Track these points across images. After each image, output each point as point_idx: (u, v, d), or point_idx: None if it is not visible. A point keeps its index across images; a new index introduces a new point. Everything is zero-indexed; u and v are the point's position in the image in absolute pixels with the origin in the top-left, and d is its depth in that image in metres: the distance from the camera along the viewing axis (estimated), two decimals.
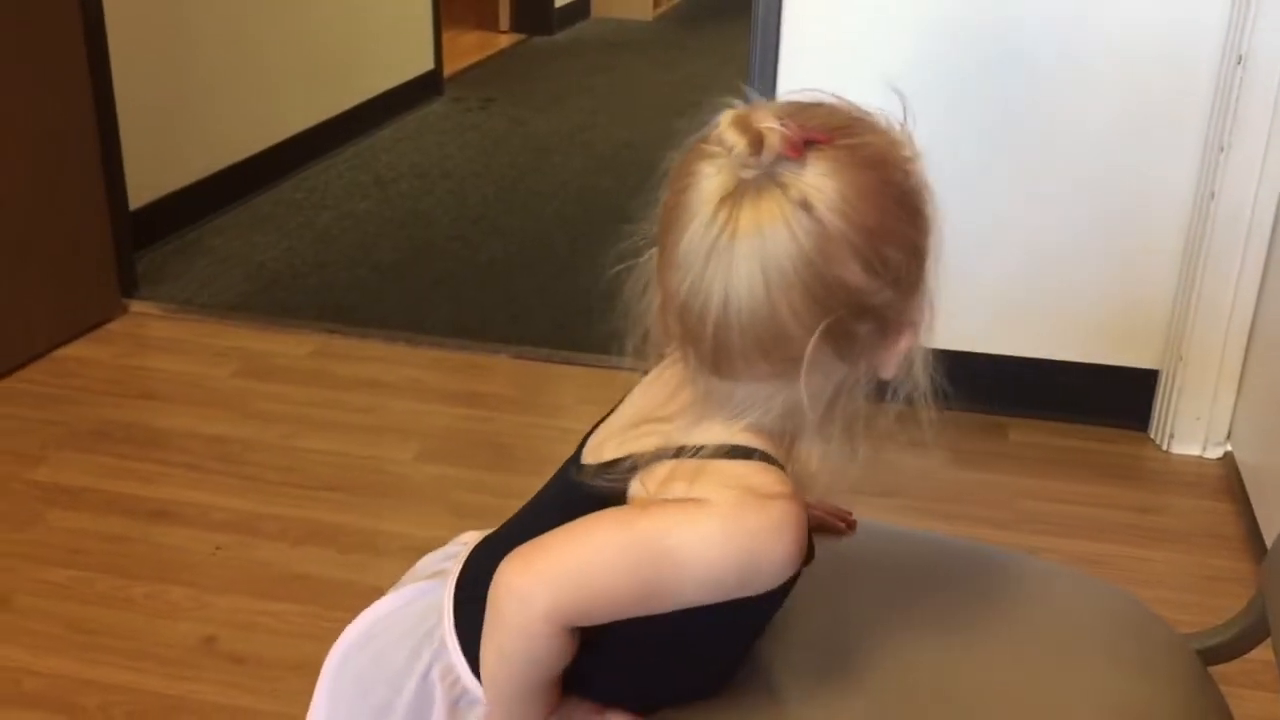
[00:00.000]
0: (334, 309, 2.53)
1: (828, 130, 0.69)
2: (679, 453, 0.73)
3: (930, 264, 0.72)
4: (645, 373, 0.84)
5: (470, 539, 0.90)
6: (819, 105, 0.73)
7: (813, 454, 0.76)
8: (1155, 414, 2.09)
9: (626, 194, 3.36)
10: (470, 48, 4.88)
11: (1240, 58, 1.85)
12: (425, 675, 0.84)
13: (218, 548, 1.73)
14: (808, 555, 0.80)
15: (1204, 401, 2.03)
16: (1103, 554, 1.78)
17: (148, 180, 2.69)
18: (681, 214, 0.70)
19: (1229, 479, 1.98)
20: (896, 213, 0.69)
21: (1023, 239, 2.02)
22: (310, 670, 1.46)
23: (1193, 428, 2.04)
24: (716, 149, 0.69)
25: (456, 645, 0.83)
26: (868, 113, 0.74)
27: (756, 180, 0.67)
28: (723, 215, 0.67)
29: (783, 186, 0.67)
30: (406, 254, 2.86)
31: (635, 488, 0.74)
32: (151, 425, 2.06)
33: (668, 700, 0.82)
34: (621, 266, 0.79)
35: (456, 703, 0.84)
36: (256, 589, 1.64)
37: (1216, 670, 0.95)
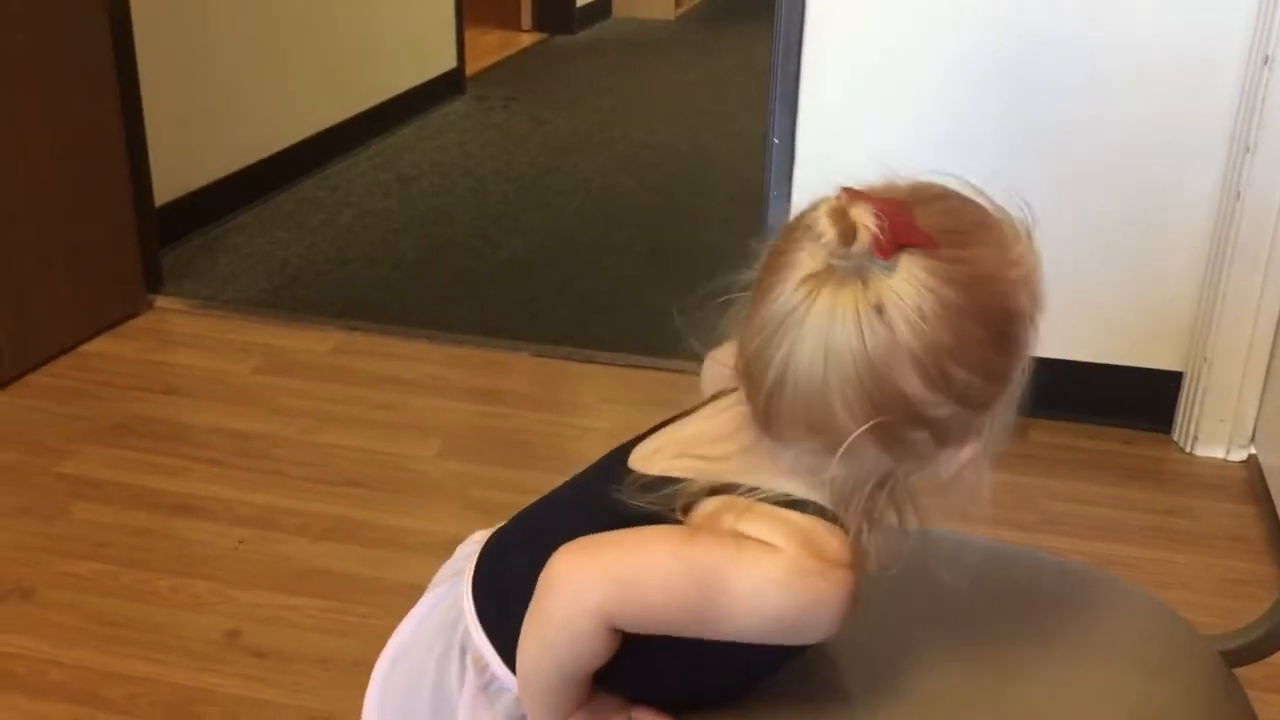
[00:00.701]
0: (355, 306, 2.54)
1: (937, 234, 0.68)
2: (729, 489, 0.74)
3: (1011, 385, 0.72)
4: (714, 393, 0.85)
5: (481, 537, 0.91)
6: (944, 198, 0.72)
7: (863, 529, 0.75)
8: (1179, 416, 2.08)
9: (646, 193, 3.38)
10: (492, 47, 4.90)
11: (1267, 58, 1.84)
12: (461, 666, 0.85)
13: (240, 542, 1.74)
14: None
15: (1228, 404, 2.01)
16: (1125, 556, 1.77)
17: (173, 177, 2.71)
18: (772, 279, 0.70)
19: (1253, 482, 1.97)
20: (978, 336, 0.68)
21: (1046, 240, 2.01)
22: (332, 665, 1.49)
23: (1217, 430, 2.03)
24: (814, 235, 0.69)
25: (481, 632, 0.84)
26: (994, 216, 0.72)
27: (844, 270, 0.67)
28: (803, 291, 0.68)
29: (864, 283, 0.67)
30: (427, 252, 2.87)
31: (707, 507, 0.74)
32: (175, 420, 2.08)
33: (697, 702, 0.83)
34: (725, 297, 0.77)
35: (486, 688, 0.84)
36: (278, 583, 1.65)
37: (1239, 674, 0.95)
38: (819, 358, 0.68)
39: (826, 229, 0.67)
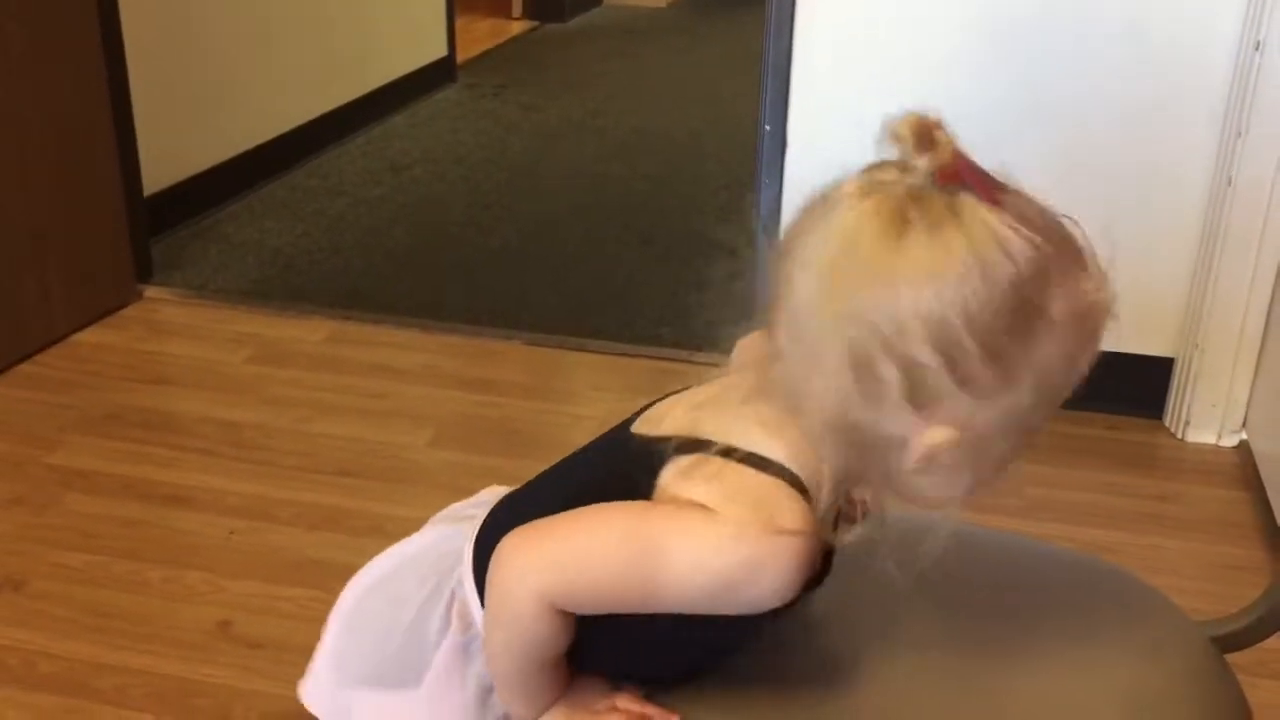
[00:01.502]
0: (347, 295, 2.53)
1: (1018, 208, 0.67)
2: (701, 445, 0.73)
3: (1013, 391, 0.68)
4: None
5: (498, 491, 0.91)
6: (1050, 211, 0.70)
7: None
8: (1170, 402, 2.08)
9: (639, 180, 3.37)
10: (483, 35, 4.88)
11: (1259, 43, 1.83)
12: (446, 614, 0.85)
13: (232, 532, 1.74)
14: (819, 577, 0.79)
15: (1220, 389, 2.02)
16: (1116, 542, 1.77)
17: (162, 167, 2.70)
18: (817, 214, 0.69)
19: (1244, 467, 1.97)
20: (999, 310, 0.64)
21: None
22: None
23: (1208, 415, 2.04)
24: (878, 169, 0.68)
25: (474, 588, 0.84)
26: (1081, 242, 0.72)
27: (901, 184, 0.66)
28: (852, 187, 0.67)
29: (916, 199, 0.65)
30: (420, 240, 2.86)
31: (667, 475, 0.74)
32: (166, 410, 2.07)
33: (679, 676, 0.82)
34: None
35: (468, 646, 0.84)
36: (271, 574, 1.65)
37: (1230, 659, 0.95)
38: (837, 237, 0.65)
39: (905, 133, 0.66)
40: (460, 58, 4.23)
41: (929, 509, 0.75)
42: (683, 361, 2.22)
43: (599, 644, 0.78)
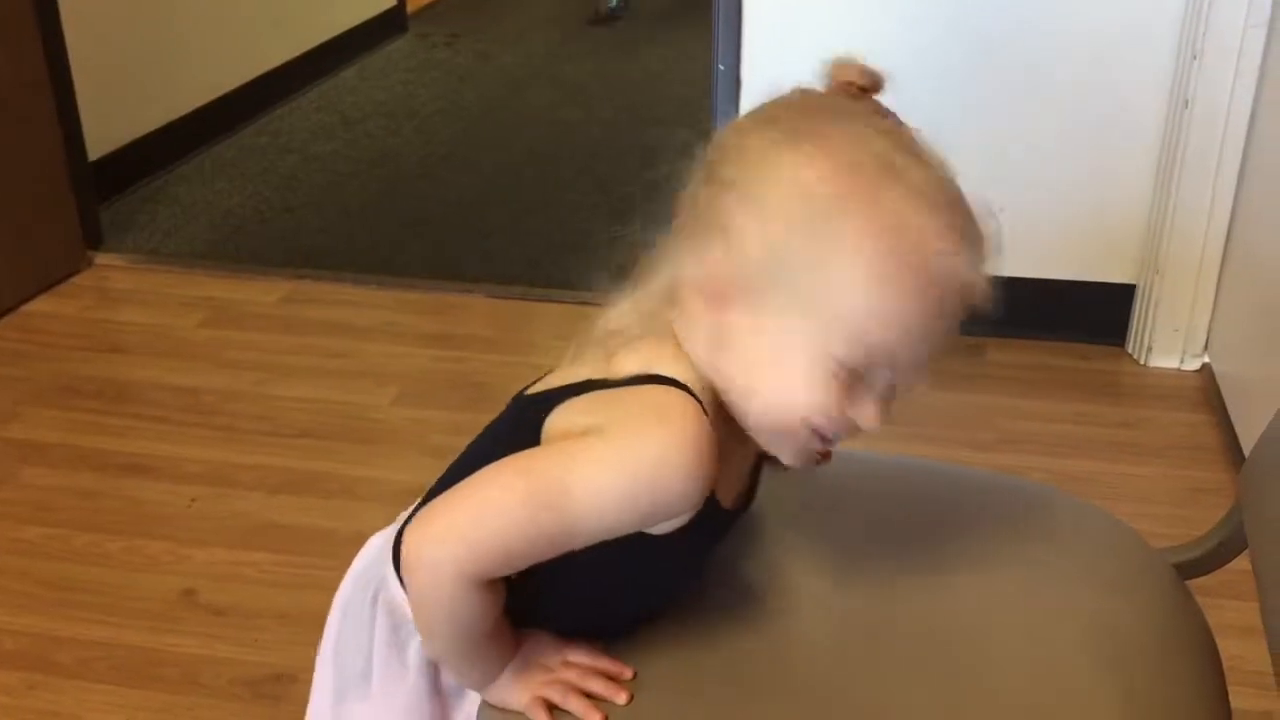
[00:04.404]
0: (303, 253, 2.49)
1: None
2: (600, 384, 0.71)
3: (822, 292, 0.67)
4: None
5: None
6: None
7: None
8: (1133, 328, 2.08)
9: (597, 126, 3.32)
10: None
11: None
12: (372, 608, 0.84)
13: (193, 500, 1.71)
14: (749, 497, 0.79)
15: (1181, 314, 2.02)
16: (1083, 471, 1.78)
17: (107, 130, 2.63)
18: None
19: (1207, 390, 1.98)
20: (804, 212, 0.67)
21: (995, 156, 1.99)
22: (291, 619, 1.47)
23: (1170, 340, 2.04)
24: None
25: (394, 575, 0.82)
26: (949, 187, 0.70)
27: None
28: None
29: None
30: (375, 195, 2.82)
31: (550, 420, 0.72)
32: (121, 379, 2.04)
33: (627, 623, 0.81)
34: None
35: (398, 630, 0.83)
36: (234, 540, 1.63)
37: (1196, 581, 0.95)
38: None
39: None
40: (411, 7, 4.14)
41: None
42: None
43: (536, 600, 0.77)
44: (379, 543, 0.87)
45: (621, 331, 0.75)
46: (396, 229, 2.63)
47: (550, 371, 0.80)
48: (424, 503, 0.83)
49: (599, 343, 0.76)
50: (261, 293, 2.31)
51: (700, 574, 0.84)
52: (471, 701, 0.82)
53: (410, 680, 0.83)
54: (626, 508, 0.69)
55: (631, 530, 0.71)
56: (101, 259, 2.43)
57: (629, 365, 0.72)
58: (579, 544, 0.71)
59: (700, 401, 0.70)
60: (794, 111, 0.72)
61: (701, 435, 0.68)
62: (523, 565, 0.72)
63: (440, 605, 0.73)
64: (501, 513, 0.70)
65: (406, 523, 0.84)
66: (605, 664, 0.79)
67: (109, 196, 2.65)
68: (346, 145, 3.12)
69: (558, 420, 0.72)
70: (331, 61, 3.61)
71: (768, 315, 0.69)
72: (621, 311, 0.76)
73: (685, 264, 0.72)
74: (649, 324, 0.74)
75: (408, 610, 0.81)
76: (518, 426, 0.75)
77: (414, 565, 0.72)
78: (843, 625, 0.84)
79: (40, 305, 2.25)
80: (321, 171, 2.94)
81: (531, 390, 0.79)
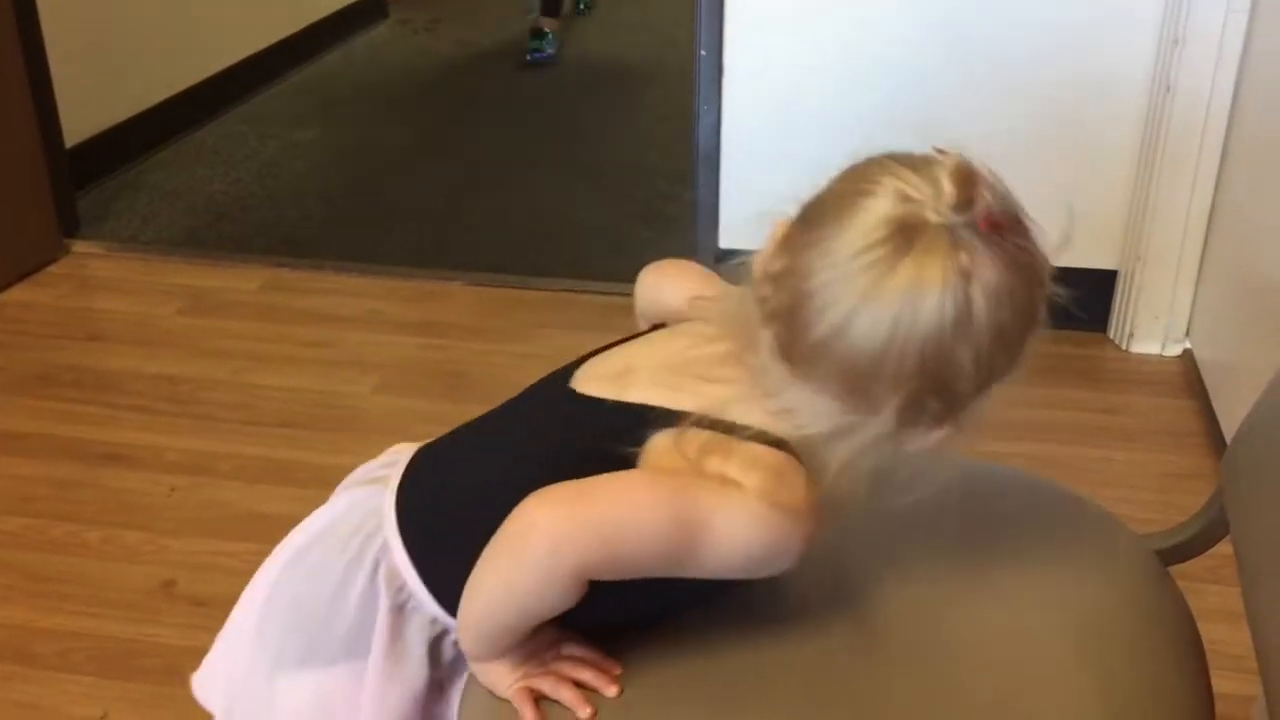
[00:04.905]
0: (283, 242, 2.47)
1: (1012, 220, 0.68)
2: (718, 425, 0.72)
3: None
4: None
5: (405, 449, 0.89)
6: (999, 181, 0.71)
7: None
8: (1114, 314, 2.08)
9: (579, 113, 3.30)
10: None
11: None
12: (371, 578, 0.83)
13: (172, 489, 1.70)
14: None
15: (1163, 299, 2.02)
16: (1065, 456, 1.78)
17: (83, 117, 2.60)
18: (850, 210, 0.68)
19: (1188, 376, 1.98)
20: (1023, 324, 0.69)
21: (977, 141, 1.98)
22: None
23: (1152, 326, 2.04)
24: (917, 182, 0.67)
25: (401, 548, 0.82)
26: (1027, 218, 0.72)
27: (938, 229, 0.66)
28: (892, 241, 0.66)
29: (955, 244, 0.65)
30: (356, 183, 2.80)
31: (662, 442, 0.73)
32: (99, 367, 2.02)
33: (628, 623, 0.81)
34: None
35: (402, 607, 0.83)
36: (214, 530, 1.61)
37: (1178, 566, 0.95)
38: (887, 322, 0.66)
39: (949, 188, 0.66)
40: None
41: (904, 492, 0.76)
42: (629, 296, 2.19)
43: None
44: (354, 510, 0.85)
45: (720, 364, 0.75)
46: (378, 216, 2.61)
47: (610, 354, 0.81)
48: (429, 463, 0.84)
49: (693, 361, 0.77)
50: (241, 280, 2.30)
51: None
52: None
53: (413, 659, 0.83)
54: (746, 562, 0.73)
55: (720, 578, 0.75)
56: (79, 247, 2.41)
57: (750, 417, 0.72)
58: (679, 575, 0.73)
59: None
60: None
61: (813, 509, 0.72)
62: (623, 576, 0.73)
63: (536, 583, 0.72)
64: (649, 532, 0.71)
65: (407, 485, 0.83)
66: (597, 658, 0.79)
67: (86, 184, 2.62)
68: (327, 132, 3.09)
69: (667, 446, 0.73)
70: (312, 48, 3.58)
71: None
72: (719, 329, 0.76)
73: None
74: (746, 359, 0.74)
75: (413, 584, 0.81)
76: (605, 434, 0.74)
77: (536, 540, 0.71)
78: (826, 614, 0.84)
79: (17, 294, 2.23)
80: (302, 159, 2.92)
81: (609, 393, 0.77)
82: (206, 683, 0.92)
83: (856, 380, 0.68)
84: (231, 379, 1.97)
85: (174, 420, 1.86)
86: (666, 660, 0.80)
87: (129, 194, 2.68)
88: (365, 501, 0.86)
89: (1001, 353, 0.69)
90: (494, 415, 0.87)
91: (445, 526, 0.82)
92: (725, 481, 0.71)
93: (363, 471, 0.90)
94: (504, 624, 0.76)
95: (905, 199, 0.66)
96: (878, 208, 0.67)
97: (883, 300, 0.65)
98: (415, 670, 0.84)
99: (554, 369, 0.84)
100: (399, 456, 0.88)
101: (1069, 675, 0.80)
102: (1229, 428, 1.73)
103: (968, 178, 0.67)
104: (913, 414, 0.69)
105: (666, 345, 0.81)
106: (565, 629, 0.79)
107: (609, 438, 0.73)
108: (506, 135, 3.09)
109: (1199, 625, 0.91)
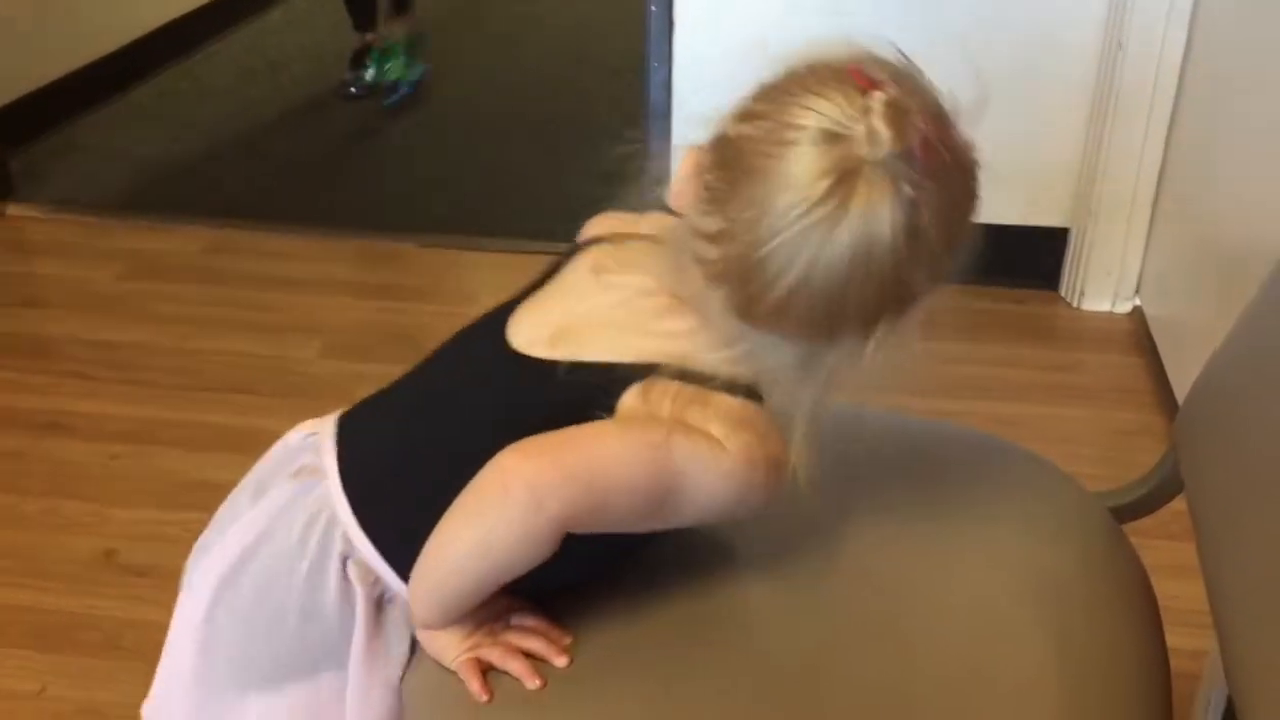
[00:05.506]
0: (227, 203, 2.42)
1: (942, 131, 0.68)
2: (688, 376, 0.71)
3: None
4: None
5: (311, 429, 0.85)
6: (919, 77, 0.71)
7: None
8: (1066, 272, 2.09)
9: (527, 70, 3.26)
10: None
11: None
12: (341, 577, 0.79)
13: (114, 458, 1.66)
14: None
15: (1113, 257, 2.03)
16: (1018, 414, 1.78)
17: (15, 75, 2.53)
18: (778, 164, 0.66)
19: (1138, 333, 2.00)
20: (968, 219, 0.70)
21: None
22: None
23: (1103, 284, 2.05)
24: (841, 114, 0.65)
25: (366, 540, 0.79)
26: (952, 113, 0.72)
27: (875, 169, 0.65)
28: (835, 194, 0.64)
29: (896, 181, 0.65)
30: (302, 143, 2.74)
31: (634, 398, 0.72)
32: (37, 334, 1.97)
33: (572, 582, 0.80)
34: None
35: (379, 600, 0.80)
36: (157, 499, 1.58)
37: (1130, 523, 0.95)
38: (845, 259, 0.65)
39: (883, 129, 0.64)
40: None
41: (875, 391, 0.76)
42: None
43: None
44: (298, 507, 0.81)
45: (666, 315, 0.74)
46: (325, 177, 2.57)
47: (525, 308, 0.80)
48: (373, 446, 0.81)
49: (637, 314, 0.75)
50: (184, 243, 2.25)
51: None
52: None
53: (395, 654, 0.80)
54: (722, 512, 0.74)
55: (692, 525, 0.76)
56: (13, 210, 2.34)
57: (700, 360, 0.71)
58: (651, 527, 0.74)
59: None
60: None
61: (784, 456, 0.72)
62: (601, 529, 0.72)
63: (514, 535, 0.70)
64: (628, 475, 0.70)
65: (354, 469, 0.80)
66: (546, 627, 0.77)
67: (19, 145, 2.55)
68: (271, 91, 3.03)
69: (640, 400, 0.72)
70: (254, 4, 3.49)
71: None
72: (661, 263, 0.74)
73: None
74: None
75: (386, 576, 0.78)
76: (569, 396, 0.72)
77: (516, 494, 0.69)
78: (778, 577, 0.83)
79: None
80: (246, 118, 2.85)
81: (560, 353, 0.75)
82: (159, 711, 0.87)
83: (819, 322, 0.68)
84: (174, 344, 1.93)
85: (115, 387, 1.82)
86: (613, 628, 0.78)
87: (65, 155, 2.61)
88: (302, 496, 0.81)
89: (951, 254, 0.70)
90: (422, 380, 0.84)
91: (406, 510, 0.79)
92: (706, 437, 0.71)
93: (266, 467, 0.86)
94: (471, 585, 0.73)
95: (833, 139, 0.65)
96: (808, 159, 0.65)
97: (837, 249, 0.65)
98: (397, 662, 0.81)
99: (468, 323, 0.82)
100: (300, 439, 0.84)
101: (1023, 633, 0.79)
102: (1178, 384, 1.74)
103: (899, 112, 0.65)
104: (870, 333, 0.69)
105: (600, 299, 0.78)
106: (513, 595, 0.77)
107: (574, 399, 0.72)
108: (454, 94, 3.04)
109: (1151, 581, 0.91)
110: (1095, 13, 1.91)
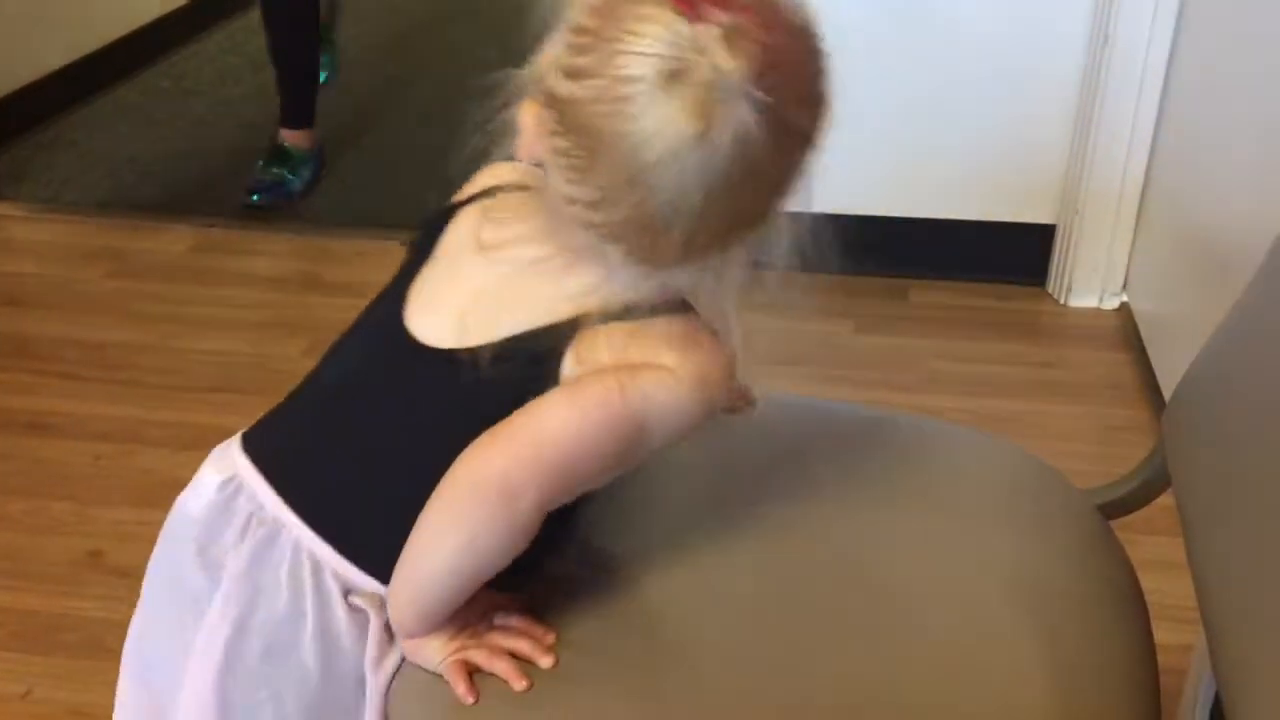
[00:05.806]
0: (212, 202, 2.40)
1: (774, 20, 0.65)
2: (614, 315, 0.71)
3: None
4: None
5: (219, 471, 0.83)
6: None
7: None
8: (1053, 268, 2.09)
9: (503, 59, 3.23)
10: None
11: None
12: (348, 611, 0.78)
13: (99, 458, 1.65)
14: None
15: (1100, 253, 2.03)
16: (1006, 411, 1.78)
17: None
18: (631, 128, 0.64)
19: (1125, 329, 2.00)
20: (826, 83, 0.68)
21: (913, 96, 1.97)
22: None
23: (1090, 280, 2.05)
24: (674, 49, 0.63)
25: (360, 572, 0.78)
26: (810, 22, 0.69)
27: (733, 95, 0.63)
28: (707, 137, 0.63)
29: (751, 95, 0.63)
30: None
31: (570, 361, 0.71)
32: (21, 333, 1.95)
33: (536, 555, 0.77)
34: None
35: (346, 595, 0.79)
36: (141, 499, 1.57)
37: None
38: (737, 178, 0.65)
39: (722, 60, 0.62)
40: None
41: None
42: None
43: None
44: (269, 551, 0.78)
45: (568, 271, 0.72)
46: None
47: (412, 302, 0.79)
48: (317, 477, 0.79)
49: (539, 279, 0.73)
50: (169, 242, 2.23)
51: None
52: None
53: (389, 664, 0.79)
54: (690, 429, 0.73)
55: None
56: None
57: (619, 298, 0.71)
58: (636, 465, 0.74)
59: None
60: None
61: (731, 358, 0.72)
62: (584, 490, 0.73)
63: (497, 536, 0.70)
64: (589, 442, 0.70)
65: (304, 510, 0.78)
66: (530, 627, 0.77)
67: (2, 143, 2.53)
68: (255, 89, 3.00)
69: (579, 355, 0.71)
70: (236, 2, 3.47)
71: None
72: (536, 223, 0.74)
73: None
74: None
75: (355, 578, 0.77)
76: (512, 380, 0.71)
77: (487, 492, 0.69)
78: (761, 575, 0.82)
79: None
80: (230, 116, 2.84)
81: (465, 341, 0.73)
82: None
83: (722, 237, 0.69)
84: (159, 343, 1.92)
85: (100, 386, 1.80)
86: (597, 625, 0.78)
87: (48, 154, 2.59)
88: (265, 552, 0.78)
89: (819, 112, 0.68)
90: (338, 396, 0.82)
91: (386, 531, 0.75)
92: (654, 370, 0.71)
93: (203, 527, 0.83)
94: (455, 589, 0.73)
95: (673, 79, 0.63)
96: (658, 110, 0.63)
97: (719, 177, 0.65)
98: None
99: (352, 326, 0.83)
100: (231, 483, 0.81)
101: (1010, 631, 0.79)
102: (1165, 380, 1.74)
103: (733, 34, 0.63)
104: (772, 218, 0.70)
105: (491, 273, 0.76)
106: (491, 589, 0.77)
107: (511, 379, 0.71)
108: (441, 89, 3.03)
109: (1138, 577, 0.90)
110: (1082, 7, 1.91)
